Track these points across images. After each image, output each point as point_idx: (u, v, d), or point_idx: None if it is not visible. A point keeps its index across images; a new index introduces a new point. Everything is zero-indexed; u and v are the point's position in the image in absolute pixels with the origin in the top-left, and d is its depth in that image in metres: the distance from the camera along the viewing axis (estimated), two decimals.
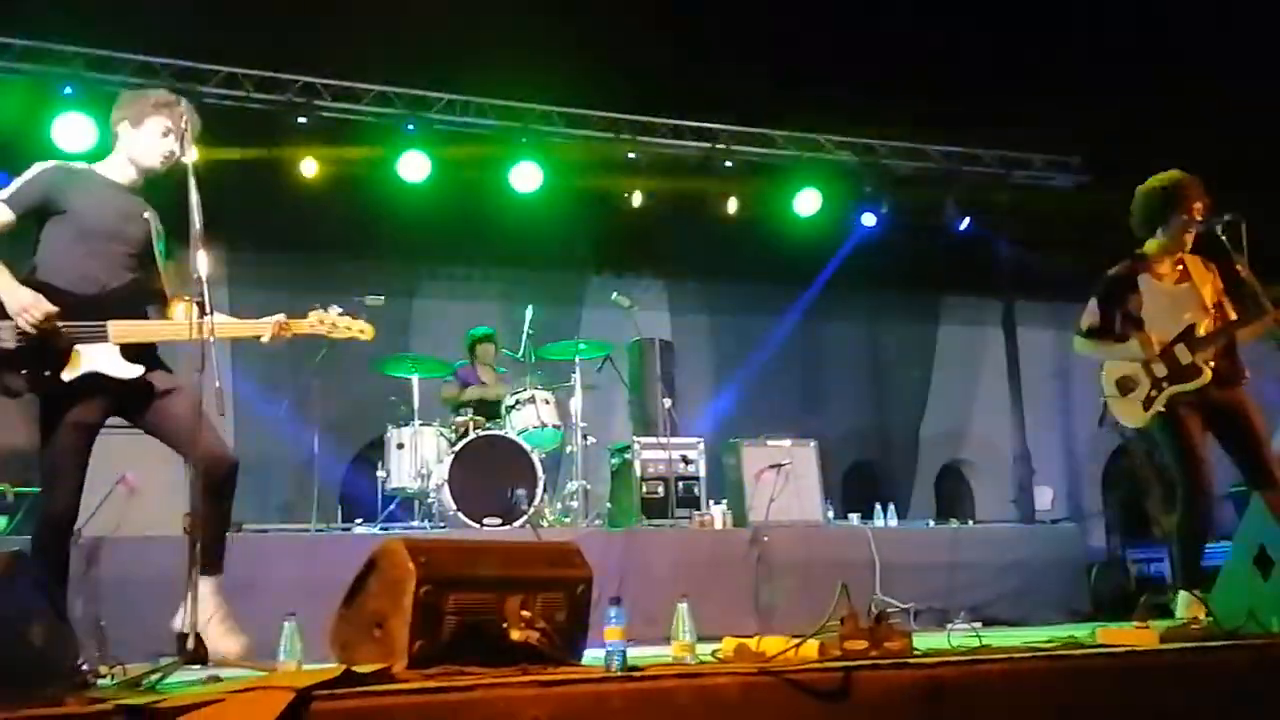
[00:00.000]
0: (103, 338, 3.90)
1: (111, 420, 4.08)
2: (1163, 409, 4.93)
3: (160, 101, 4.12)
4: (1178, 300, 5.02)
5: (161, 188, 4.15)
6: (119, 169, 4.13)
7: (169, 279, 4.17)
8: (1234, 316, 4.98)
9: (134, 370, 3.90)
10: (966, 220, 9.92)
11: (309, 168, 8.45)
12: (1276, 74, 7.85)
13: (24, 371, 3.82)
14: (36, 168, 4.00)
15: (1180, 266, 5.08)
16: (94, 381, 3.88)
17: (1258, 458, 4.87)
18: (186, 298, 3.90)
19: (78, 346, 3.87)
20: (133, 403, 4.01)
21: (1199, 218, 5.00)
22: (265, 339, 4.13)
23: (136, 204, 4.09)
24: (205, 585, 3.87)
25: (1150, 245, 5.12)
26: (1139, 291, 5.06)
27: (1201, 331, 4.92)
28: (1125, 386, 5.07)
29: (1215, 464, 4.97)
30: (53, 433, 3.89)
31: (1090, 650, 3.70)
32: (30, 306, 3.74)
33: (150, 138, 4.08)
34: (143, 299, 4.05)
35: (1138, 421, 5.06)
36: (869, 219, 10.00)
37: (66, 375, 3.86)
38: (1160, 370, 4.95)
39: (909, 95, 8.63)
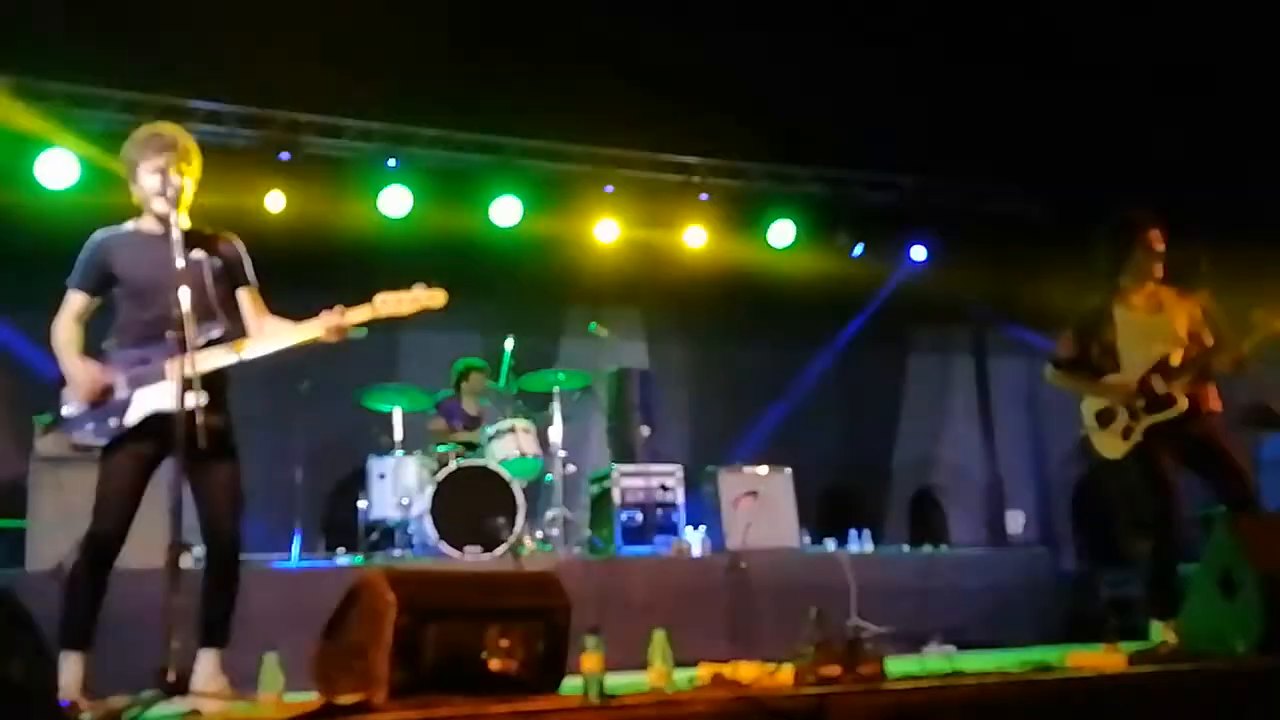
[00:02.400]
0: (160, 377, 3.98)
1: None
2: (1140, 439, 5.00)
3: (142, 140, 4.13)
4: (1151, 331, 5.07)
5: None
6: (150, 222, 4.17)
7: (247, 307, 4.24)
8: (1209, 345, 5.04)
9: (191, 400, 3.81)
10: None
11: (287, 202, 8.49)
12: (1244, 107, 8.01)
13: (90, 426, 4.00)
14: (88, 244, 4.15)
15: (1154, 297, 5.15)
16: (155, 421, 3.95)
17: (1236, 484, 4.93)
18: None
19: (136, 391, 4.00)
20: (183, 446, 3.96)
21: (1158, 246, 5.10)
22: (323, 338, 4.10)
23: (171, 251, 4.03)
24: (205, 658, 3.99)
25: (1123, 279, 5.17)
26: (1114, 323, 5.11)
27: (1175, 361, 4.98)
28: (1104, 419, 5.13)
29: (1184, 492, 5.06)
30: (110, 463, 4.00)
31: (1061, 674, 3.78)
32: (82, 380, 3.98)
33: (148, 184, 4.09)
34: (214, 338, 4.08)
35: (1117, 453, 5.09)
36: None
37: (130, 419, 3.99)
38: (1137, 401, 5.02)
39: (878, 128, 8.76)
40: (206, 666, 4.02)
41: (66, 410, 4.05)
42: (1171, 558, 5.02)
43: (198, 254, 4.08)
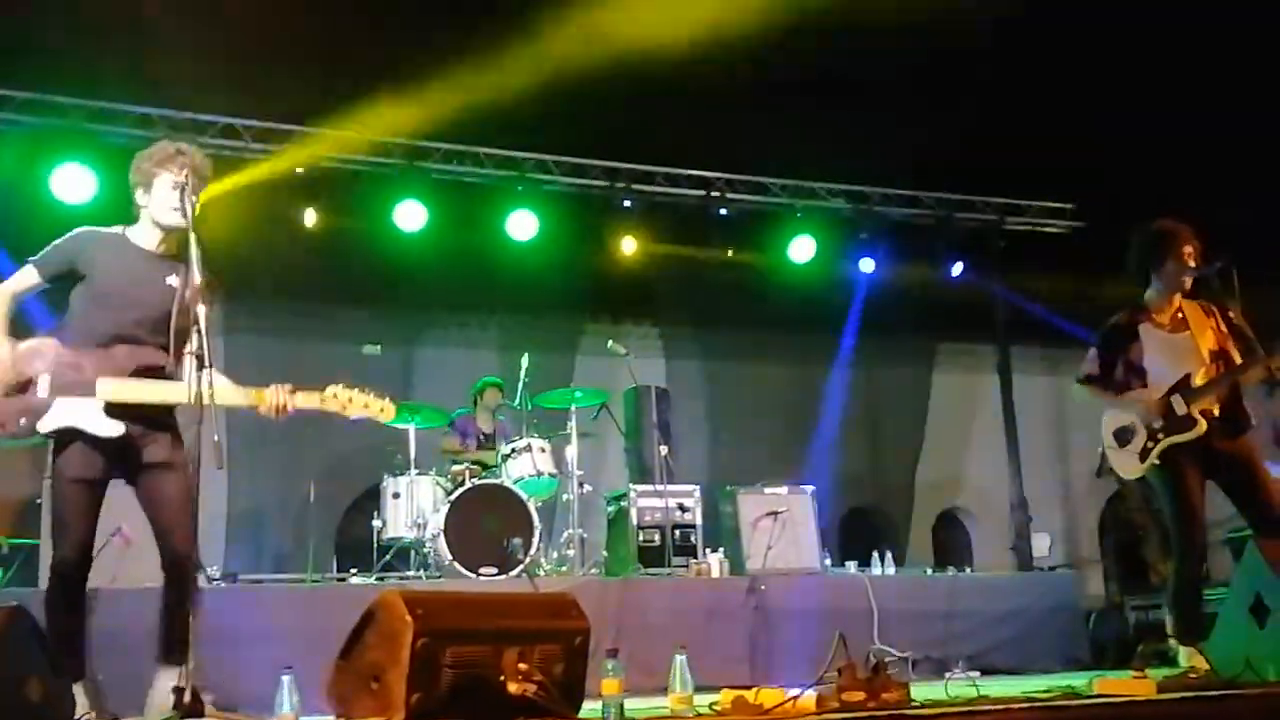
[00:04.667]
0: (89, 393, 3.90)
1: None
2: (1158, 460, 4.92)
3: (163, 156, 4.10)
4: (1176, 349, 5.00)
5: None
6: (145, 234, 4.14)
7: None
8: (1236, 362, 4.95)
9: (113, 428, 3.85)
10: (959, 266, 9.97)
11: (307, 217, 8.50)
12: (1269, 121, 7.94)
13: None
14: (68, 234, 4.08)
15: (1180, 314, 5.08)
16: (76, 436, 3.88)
17: (1264, 506, 4.84)
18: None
19: (59, 398, 3.88)
20: (126, 464, 4.00)
21: (1191, 263, 5.03)
22: (262, 410, 4.00)
23: (161, 269, 4.03)
24: (164, 678, 3.84)
25: (1149, 294, 5.12)
26: (1139, 340, 5.06)
27: (1197, 381, 4.90)
28: (1123, 437, 5.05)
29: (1208, 514, 4.97)
30: (56, 486, 3.93)
31: (1088, 700, 3.70)
32: (7, 364, 3.87)
33: (162, 195, 4.06)
34: (158, 364, 3.99)
35: (1134, 473, 5.04)
36: (867, 265, 10.04)
37: (42, 426, 3.88)
38: (1156, 422, 4.94)
39: (903, 142, 8.71)
40: (165, 685, 3.83)
41: None
42: (1194, 581, 4.93)
43: (175, 280, 4.01)
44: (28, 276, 4.04)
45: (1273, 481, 4.94)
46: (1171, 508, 4.91)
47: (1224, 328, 5.04)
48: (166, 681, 3.84)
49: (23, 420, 3.87)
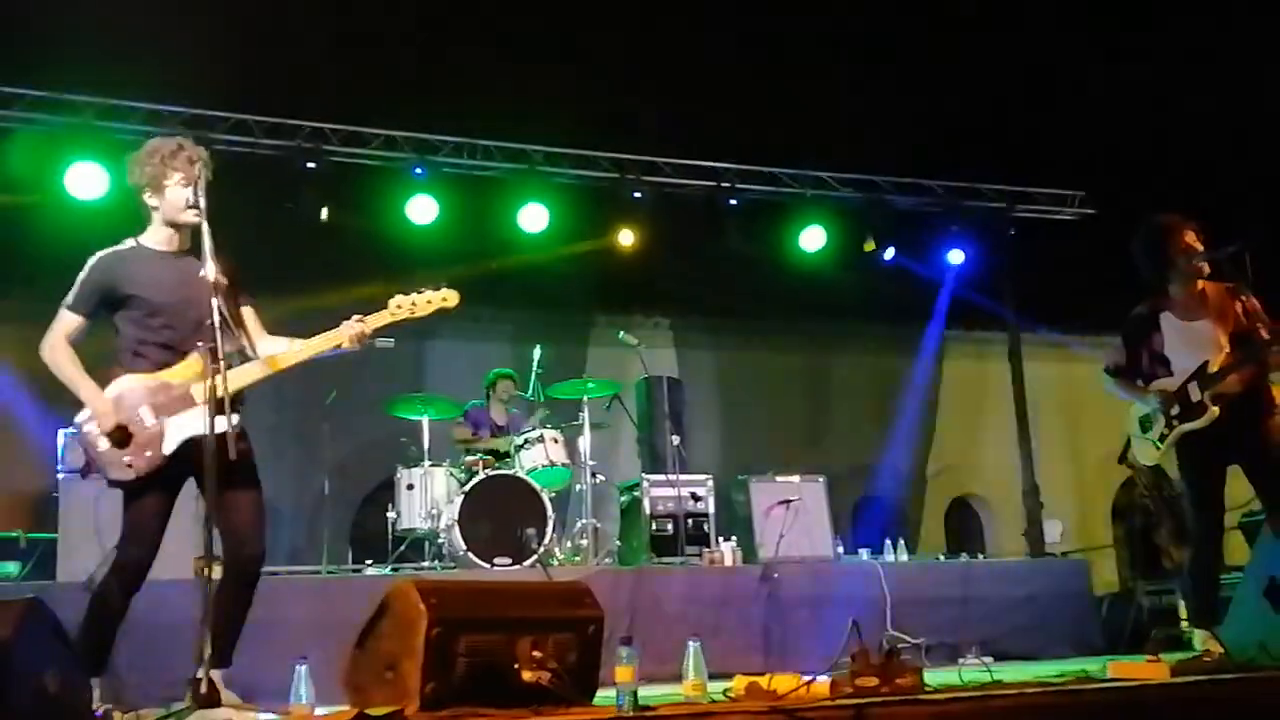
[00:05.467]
0: (188, 402, 3.92)
1: None
2: (1176, 446, 4.90)
3: (167, 154, 4.05)
4: (1196, 336, 4.96)
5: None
6: (161, 237, 4.11)
7: (250, 324, 4.20)
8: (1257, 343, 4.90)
9: (224, 423, 3.75)
10: (959, 254, 9.92)
11: (319, 212, 8.51)
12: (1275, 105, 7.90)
13: (126, 460, 3.88)
14: (87, 265, 4.04)
15: (1201, 300, 5.03)
16: (189, 448, 3.89)
17: None
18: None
19: (165, 419, 3.92)
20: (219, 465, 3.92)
21: (1197, 245, 5.00)
22: (346, 346, 4.09)
23: (190, 266, 3.99)
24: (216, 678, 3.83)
25: (1172, 286, 5.05)
26: (1160, 330, 5.03)
27: (1214, 368, 4.87)
28: (1145, 425, 5.08)
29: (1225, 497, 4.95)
30: (140, 492, 3.92)
31: (1102, 684, 3.70)
32: (101, 418, 3.87)
33: (175, 195, 4.02)
34: (228, 355, 3.93)
35: (1152, 459, 5.07)
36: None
37: (167, 449, 3.91)
38: (1173, 409, 4.92)
39: (911, 131, 8.69)
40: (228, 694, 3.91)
41: (92, 451, 3.91)
42: (1209, 566, 4.91)
43: (204, 272, 3.93)
44: (70, 322, 4.00)
45: None
46: (1189, 494, 4.92)
47: (1251, 309, 4.98)
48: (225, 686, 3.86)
49: (149, 453, 3.89)
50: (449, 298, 4.25)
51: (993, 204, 9.99)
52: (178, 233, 4.09)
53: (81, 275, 4.03)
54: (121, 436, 3.87)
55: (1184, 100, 8.21)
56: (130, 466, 3.87)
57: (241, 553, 3.95)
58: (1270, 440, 4.83)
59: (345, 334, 4.08)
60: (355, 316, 4.12)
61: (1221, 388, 4.81)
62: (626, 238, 9.27)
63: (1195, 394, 4.85)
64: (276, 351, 4.11)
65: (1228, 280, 5.02)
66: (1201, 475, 4.88)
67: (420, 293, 4.21)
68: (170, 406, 3.92)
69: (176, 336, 3.97)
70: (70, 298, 4.01)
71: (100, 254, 4.07)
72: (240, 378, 3.98)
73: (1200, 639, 4.81)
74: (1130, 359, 5.14)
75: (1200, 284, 5.02)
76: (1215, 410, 4.79)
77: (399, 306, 4.19)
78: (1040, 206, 10.08)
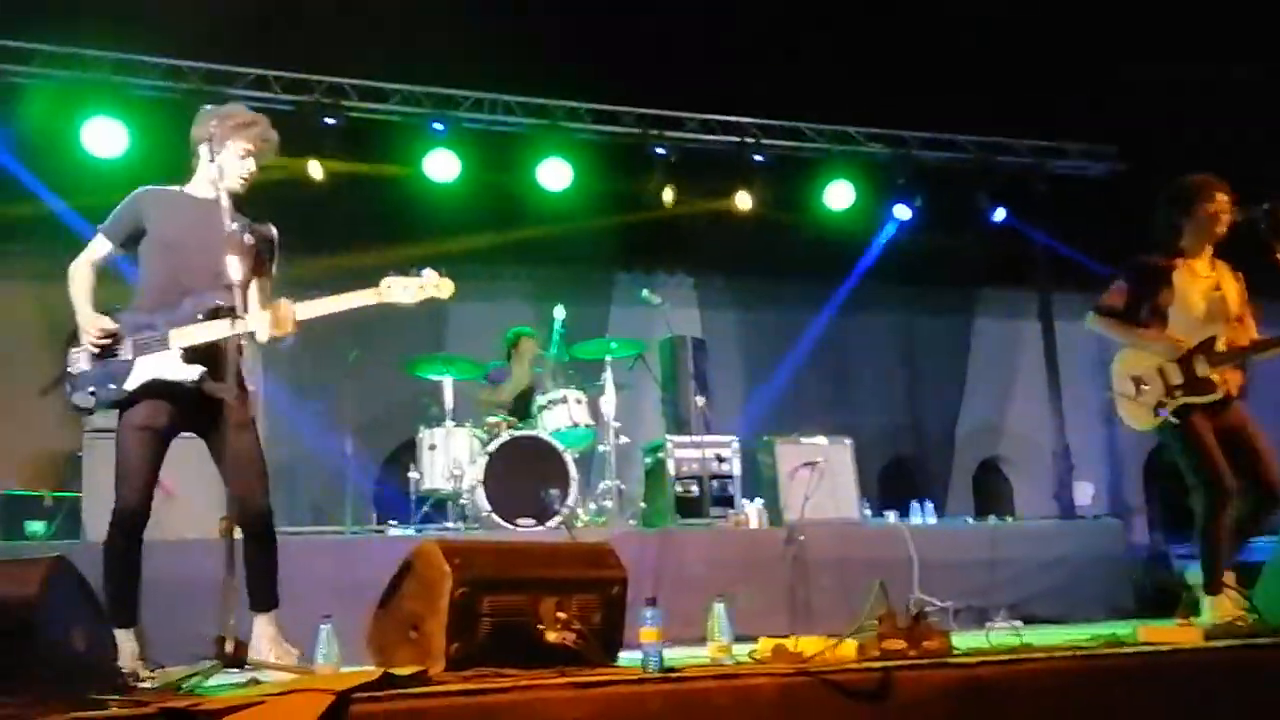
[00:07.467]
0: (163, 345, 4.02)
1: None
2: (1171, 417, 4.81)
3: (241, 122, 4.13)
4: (1210, 304, 4.87)
5: None
6: (203, 187, 4.18)
7: (263, 289, 4.25)
8: (1253, 333, 4.86)
9: (191, 371, 3.96)
10: (1001, 211, 9.79)
11: (336, 169, 8.46)
12: None
13: (91, 390, 4.04)
14: (130, 195, 4.19)
15: (1214, 268, 4.95)
16: (157, 387, 4.00)
17: (1264, 472, 4.75)
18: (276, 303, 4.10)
19: (138, 358, 4.03)
20: (201, 418, 4.04)
21: (1224, 212, 4.87)
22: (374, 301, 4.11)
23: (219, 214, 3.95)
24: (260, 623, 4.05)
25: (1185, 242, 4.95)
26: (1172, 286, 4.90)
27: (1220, 346, 4.80)
28: (1137, 386, 4.93)
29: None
30: (120, 436, 4.04)
31: (1133, 649, 3.64)
32: (88, 327, 4.03)
33: (231, 161, 4.09)
34: (228, 310, 3.96)
35: (1142, 425, 4.94)
36: (902, 211, 9.89)
37: (129, 385, 4.02)
38: (1175, 377, 4.82)
39: (941, 86, 8.53)
40: (265, 631, 4.06)
41: (71, 368, 4.10)
42: (1223, 528, 4.76)
43: (235, 226, 3.96)
44: (100, 246, 4.17)
45: (1270, 448, 4.82)
46: (1193, 460, 4.79)
47: (1244, 295, 4.93)
48: (265, 629, 4.06)
49: (111, 385, 4.03)
50: (442, 287, 4.16)
51: (1024, 159, 9.83)
52: (218, 191, 4.08)
53: (121, 204, 4.18)
54: (101, 364, 4.03)
55: (1225, 61, 8.03)
56: (93, 395, 4.03)
57: (246, 510, 3.97)
58: (1247, 423, 4.81)
59: (371, 294, 4.10)
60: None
61: (1222, 369, 4.75)
62: (663, 194, 9.19)
63: (1203, 368, 4.76)
64: (253, 325, 4.08)
65: (1262, 237, 4.90)
66: (1201, 441, 4.77)
67: (418, 274, 4.13)
68: (146, 346, 4.02)
69: (177, 277, 4.06)
70: (106, 222, 4.18)
71: (145, 188, 4.20)
72: (210, 332, 4.01)
73: (1209, 608, 4.72)
74: (1128, 304, 4.99)
75: (1210, 252, 4.93)
76: (1223, 390, 4.73)
77: (389, 288, 4.12)
78: (1072, 162, 9.92)
